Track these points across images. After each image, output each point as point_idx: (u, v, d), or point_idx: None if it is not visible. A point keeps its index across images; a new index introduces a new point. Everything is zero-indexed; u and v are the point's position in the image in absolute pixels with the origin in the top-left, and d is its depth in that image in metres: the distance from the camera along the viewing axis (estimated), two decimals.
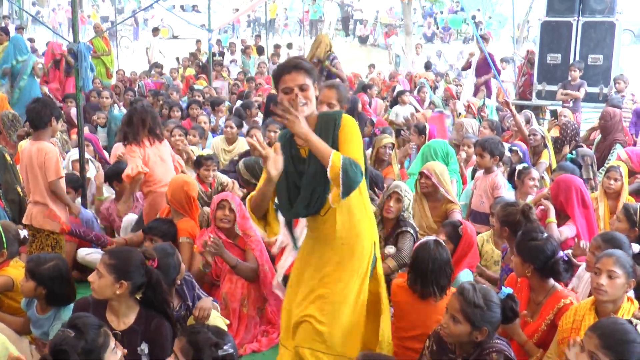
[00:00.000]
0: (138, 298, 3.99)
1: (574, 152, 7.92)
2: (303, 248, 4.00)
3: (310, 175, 3.67)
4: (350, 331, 3.85)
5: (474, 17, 33.07)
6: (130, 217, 6.60)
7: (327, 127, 3.67)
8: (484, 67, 13.46)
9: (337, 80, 6.08)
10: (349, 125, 3.68)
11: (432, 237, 4.63)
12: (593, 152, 8.78)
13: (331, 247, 3.81)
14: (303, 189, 3.69)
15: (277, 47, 21.65)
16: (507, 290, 3.79)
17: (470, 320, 3.55)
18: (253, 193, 3.79)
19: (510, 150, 7.90)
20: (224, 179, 7.22)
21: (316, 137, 3.50)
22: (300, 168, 3.72)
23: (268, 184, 3.62)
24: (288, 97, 3.59)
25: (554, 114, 10.03)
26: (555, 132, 9.56)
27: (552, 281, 4.28)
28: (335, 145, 3.60)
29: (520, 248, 4.31)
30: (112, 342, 3.33)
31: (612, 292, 3.81)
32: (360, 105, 10.94)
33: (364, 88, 13.93)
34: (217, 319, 4.40)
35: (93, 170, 7.60)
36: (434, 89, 16.41)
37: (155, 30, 22.87)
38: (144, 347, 3.87)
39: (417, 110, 12.10)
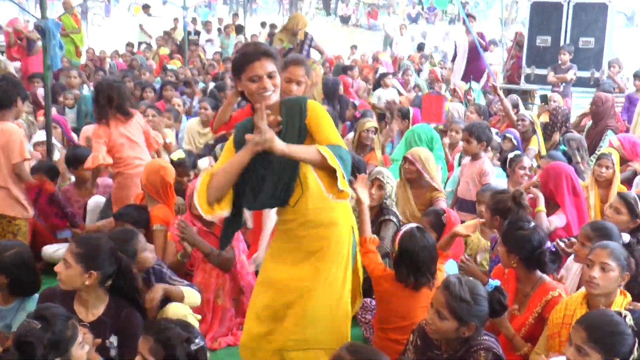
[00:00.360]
0: (107, 287, 3.93)
1: (560, 139, 7.93)
2: (275, 244, 3.93)
3: (276, 165, 3.60)
4: (339, 323, 3.85)
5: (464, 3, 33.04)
6: (98, 199, 6.53)
7: (292, 115, 3.63)
8: (475, 49, 13.41)
9: (299, 55, 5.94)
10: (317, 110, 3.66)
11: (414, 225, 4.59)
12: (583, 138, 8.83)
13: (306, 237, 3.76)
14: (268, 179, 3.63)
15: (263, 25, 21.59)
16: (494, 282, 3.74)
17: (456, 316, 3.49)
18: (213, 168, 3.67)
19: (504, 137, 7.90)
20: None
21: (294, 147, 3.46)
22: (265, 157, 3.57)
23: (245, 156, 3.48)
24: (257, 86, 3.53)
25: (544, 99, 10.05)
26: (544, 118, 9.58)
27: (539, 273, 4.26)
28: (303, 133, 3.60)
29: (506, 238, 4.29)
30: (81, 335, 3.28)
31: (604, 285, 3.78)
32: (341, 88, 10.89)
33: (344, 69, 13.89)
34: (188, 317, 4.33)
35: (57, 156, 7.50)
36: (419, 71, 16.41)
37: (146, 7, 22.53)
38: (113, 340, 3.81)
39: (400, 94, 12.09)
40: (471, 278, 3.72)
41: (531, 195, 5.75)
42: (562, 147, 7.21)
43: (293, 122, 3.62)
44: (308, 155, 3.49)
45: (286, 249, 3.83)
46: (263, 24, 24.82)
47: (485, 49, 13.09)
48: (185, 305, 4.39)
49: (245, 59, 3.57)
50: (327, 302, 3.80)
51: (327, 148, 3.48)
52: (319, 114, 3.65)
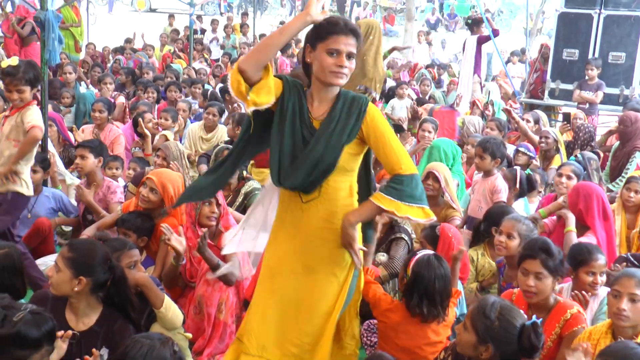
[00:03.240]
0: (101, 296, 3.93)
1: (579, 155, 7.87)
2: (277, 241, 3.92)
3: (316, 151, 3.59)
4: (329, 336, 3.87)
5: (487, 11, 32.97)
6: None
7: (351, 110, 3.62)
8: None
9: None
10: (378, 116, 3.68)
11: (431, 252, 4.58)
12: (610, 160, 8.79)
13: (314, 238, 3.76)
14: (307, 160, 3.60)
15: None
16: (535, 318, 3.65)
17: (476, 330, 3.53)
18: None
19: (517, 151, 7.86)
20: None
21: (355, 217, 3.64)
22: (306, 135, 3.63)
23: (295, 27, 3.56)
24: (334, 61, 3.51)
25: (567, 117, 9.99)
26: (567, 137, 9.55)
27: (553, 296, 4.25)
28: (354, 133, 3.60)
29: (550, 268, 4.17)
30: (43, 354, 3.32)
31: (634, 317, 3.79)
32: None
33: None
34: (177, 335, 4.32)
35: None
36: (437, 82, 16.39)
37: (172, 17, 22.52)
38: (104, 353, 3.81)
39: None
40: (512, 304, 3.70)
41: (555, 217, 5.74)
42: (572, 158, 7.13)
43: (349, 118, 3.61)
44: (372, 211, 3.65)
45: (290, 248, 3.83)
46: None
47: (496, 34, 12.94)
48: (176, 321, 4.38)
49: (333, 28, 3.53)
50: (329, 313, 3.81)
51: (383, 194, 3.55)
52: (381, 119, 3.67)
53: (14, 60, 5.50)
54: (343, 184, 3.72)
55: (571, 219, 5.63)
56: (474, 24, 13.35)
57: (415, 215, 3.59)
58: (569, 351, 3.67)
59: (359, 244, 3.72)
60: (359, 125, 3.60)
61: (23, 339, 3.18)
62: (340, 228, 3.63)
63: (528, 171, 7.04)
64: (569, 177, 6.38)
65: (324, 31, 3.53)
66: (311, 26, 3.60)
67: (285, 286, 3.83)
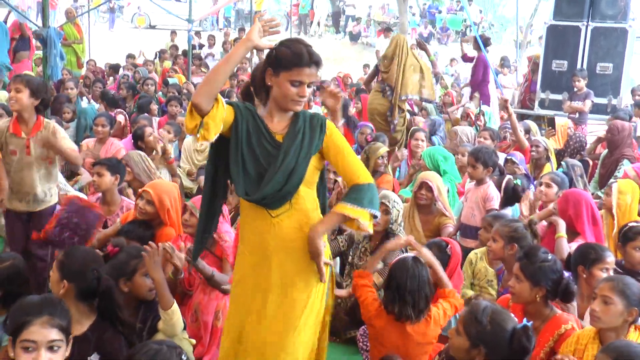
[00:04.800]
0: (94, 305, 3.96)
1: (563, 163, 7.91)
2: (246, 259, 3.82)
3: (288, 162, 3.59)
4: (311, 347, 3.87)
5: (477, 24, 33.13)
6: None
7: (313, 126, 3.65)
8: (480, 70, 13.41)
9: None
10: (336, 132, 3.73)
11: (411, 254, 4.61)
12: (599, 168, 8.84)
13: (290, 251, 3.70)
14: (279, 172, 3.58)
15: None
16: (525, 322, 3.65)
17: (468, 334, 3.55)
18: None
19: (506, 160, 7.88)
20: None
21: (323, 227, 3.66)
22: (270, 149, 3.63)
23: (238, 54, 3.56)
24: (296, 92, 3.54)
25: (552, 122, 10.03)
26: (553, 143, 9.58)
27: (551, 306, 4.25)
28: (317, 148, 3.65)
29: (529, 271, 4.19)
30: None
31: (605, 319, 3.80)
32: (352, 109, 10.92)
33: (358, 92, 13.80)
34: (183, 341, 4.35)
35: None
36: None
37: (173, 33, 22.55)
38: (94, 358, 3.83)
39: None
40: (504, 309, 3.73)
41: (546, 223, 5.76)
42: (561, 169, 7.17)
43: (313, 131, 3.65)
44: (337, 221, 3.68)
45: (261, 265, 3.74)
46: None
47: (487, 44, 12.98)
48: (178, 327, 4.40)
49: (298, 60, 3.53)
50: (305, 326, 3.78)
51: (345, 203, 3.59)
52: (339, 135, 3.73)
53: None
54: (310, 195, 3.74)
55: (562, 225, 5.65)
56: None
57: (365, 220, 3.62)
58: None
59: (325, 257, 3.71)
60: (322, 139, 3.65)
61: None
62: (308, 240, 3.62)
63: (519, 181, 7.06)
64: (547, 185, 6.42)
65: (289, 62, 3.53)
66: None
67: (253, 327, 3.76)
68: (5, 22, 13.73)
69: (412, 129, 9.22)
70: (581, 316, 4.52)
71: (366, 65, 21.16)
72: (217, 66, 3.58)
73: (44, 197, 5.61)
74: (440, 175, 7.14)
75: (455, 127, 9.94)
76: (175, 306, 4.35)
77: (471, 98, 12.67)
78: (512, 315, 3.71)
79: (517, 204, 6.81)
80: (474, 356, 3.56)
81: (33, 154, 5.46)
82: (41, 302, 3.29)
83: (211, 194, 3.88)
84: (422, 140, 8.57)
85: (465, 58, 13.86)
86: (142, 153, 7.26)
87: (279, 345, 3.71)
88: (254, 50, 20.14)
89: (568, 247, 5.46)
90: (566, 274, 4.29)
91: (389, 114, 10.12)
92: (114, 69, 16.24)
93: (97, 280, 3.91)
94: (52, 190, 5.69)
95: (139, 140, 8.39)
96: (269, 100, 3.70)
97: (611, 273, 4.57)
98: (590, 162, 9.34)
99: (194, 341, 4.59)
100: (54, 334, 3.18)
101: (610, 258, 4.63)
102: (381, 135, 9.21)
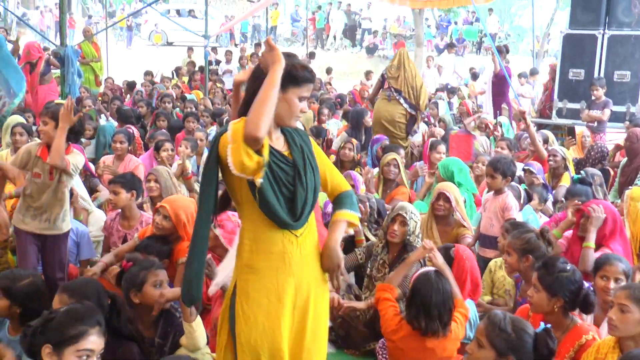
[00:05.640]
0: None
1: (582, 172, 7.84)
2: (265, 286, 3.54)
3: (312, 178, 3.56)
4: None
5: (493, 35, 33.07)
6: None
7: (306, 143, 3.65)
8: (499, 82, 13.45)
9: None
10: (316, 144, 3.79)
11: (432, 268, 4.62)
12: (619, 176, 8.77)
13: (309, 271, 3.62)
14: (309, 193, 3.53)
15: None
16: (544, 325, 3.68)
17: (495, 346, 3.53)
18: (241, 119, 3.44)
19: (524, 170, 7.85)
20: None
21: (338, 237, 3.66)
22: (287, 170, 3.52)
23: (278, 78, 3.39)
24: (301, 107, 3.55)
25: (571, 132, 9.97)
26: (573, 152, 9.51)
27: (571, 316, 4.21)
28: (312, 159, 3.63)
29: (547, 282, 4.16)
30: (85, 345, 3.33)
31: (622, 327, 3.77)
32: (368, 119, 10.97)
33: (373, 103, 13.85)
34: (206, 356, 4.36)
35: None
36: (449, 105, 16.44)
37: (190, 50, 22.71)
38: None
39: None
40: (518, 316, 3.72)
41: (568, 234, 5.73)
42: (576, 176, 7.10)
43: (309, 146, 3.66)
44: (344, 227, 3.71)
45: (287, 284, 3.55)
46: (312, 55, 24.72)
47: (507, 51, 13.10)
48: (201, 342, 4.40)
49: (309, 77, 3.55)
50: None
51: (345, 210, 3.69)
52: (319, 148, 3.79)
53: None
54: None
55: (592, 234, 5.55)
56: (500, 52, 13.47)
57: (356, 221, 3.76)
58: None
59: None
60: (312, 151, 3.67)
61: None
62: (328, 252, 3.59)
63: (523, 186, 7.07)
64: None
65: (301, 78, 3.50)
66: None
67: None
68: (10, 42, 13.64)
69: (431, 140, 9.19)
70: (597, 324, 4.48)
71: (370, 72, 21.17)
72: (266, 95, 3.35)
73: (58, 221, 5.62)
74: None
75: (476, 142, 9.93)
76: (199, 319, 4.36)
77: (496, 108, 12.72)
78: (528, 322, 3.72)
79: (533, 211, 6.78)
80: None
81: (55, 179, 5.53)
82: (92, 311, 3.41)
83: (207, 221, 3.62)
84: (443, 153, 8.55)
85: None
86: (169, 169, 7.29)
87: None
88: (248, 57, 20.34)
89: (594, 258, 5.28)
90: (586, 284, 4.23)
91: (408, 124, 10.41)
92: (130, 86, 16.31)
93: (101, 306, 3.95)
94: (66, 215, 5.71)
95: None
96: None
97: (614, 284, 4.50)
98: (612, 172, 9.26)
99: (214, 355, 4.59)
100: (103, 343, 3.33)
101: (615, 267, 4.56)
102: (394, 145, 9.22)
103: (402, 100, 10.35)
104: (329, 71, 22.04)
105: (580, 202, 5.91)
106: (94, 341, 3.31)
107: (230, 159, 3.33)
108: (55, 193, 5.51)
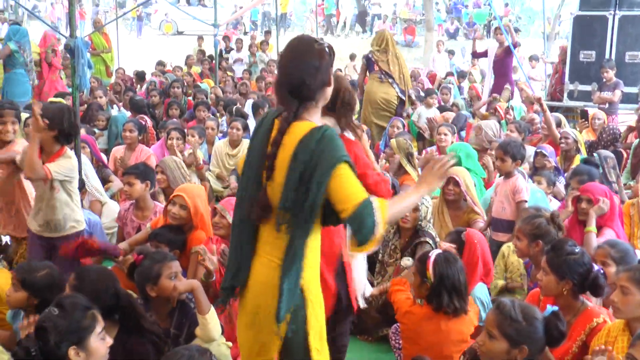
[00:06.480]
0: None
1: (594, 154, 7.78)
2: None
3: None
4: None
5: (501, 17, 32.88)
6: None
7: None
8: (503, 60, 13.42)
9: None
10: None
11: (439, 250, 4.59)
12: (630, 157, 8.72)
13: None
14: None
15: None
16: (552, 307, 3.66)
17: (507, 336, 3.49)
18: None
19: (536, 153, 7.82)
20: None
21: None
22: None
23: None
24: None
25: (584, 114, 9.92)
26: (586, 135, 9.45)
27: (581, 299, 4.19)
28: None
29: (555, 265, 4.13)
30: (100, 327, 3.42)
31: (625, 309, 3.75)
32: None
33: None
34: (221, 346, 4.37)
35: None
36: (459, 89, 16.39)
37: (200, 39, 22.56)
38: None
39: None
40: (525, 302, 3.71)
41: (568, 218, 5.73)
42: (582, 157, 7.05)
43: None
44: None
45: None
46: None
47: (515, 45, 13.13)
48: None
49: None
50: None
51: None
52: None
53: None
54: None
55: (593, 218, 5.59)
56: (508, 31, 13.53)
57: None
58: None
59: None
60: None
61: None
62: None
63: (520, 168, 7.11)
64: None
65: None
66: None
67: None
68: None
69: (438, 124, 9.23)
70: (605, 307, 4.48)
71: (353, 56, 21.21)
72: (410, 200, 3.29)
73: (59, 226, 5.58)
74: None
75: (480, 122, 9.88)
76: (213, 310, 4.37)
77: (499, 91, 12.66)
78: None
79: (544, 193, 6.77)
80: (514, 356, 3.51)
81: (47, 186, 5.39)
82: (82, 296, 3.59)
83: None
84: (446, 135, 8.53)
85: (475, 54, 14.91)
86: (177, 159, 7.29)
87: None
88: (258, 45, 20.28)
89: (597, 242, 5.35)
90: (596, 267, 4.21)
91: (398, 106, 10.91)
92: (140, 76, 16.33)
93: (116, 296, 3.97)
94: (68, 220, 5.54)
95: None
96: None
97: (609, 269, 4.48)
98: (625, 154, 9.21)
99: (230, 344, 4.60)
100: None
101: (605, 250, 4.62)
102: (403, 133, 9.23)
103: (394, 85, 10.78)
104: (352, 57, 21.97)
105: (579, 185, 6.00)
106: (100, 319, 3.44)
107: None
108: (49, 200, 5.42)
